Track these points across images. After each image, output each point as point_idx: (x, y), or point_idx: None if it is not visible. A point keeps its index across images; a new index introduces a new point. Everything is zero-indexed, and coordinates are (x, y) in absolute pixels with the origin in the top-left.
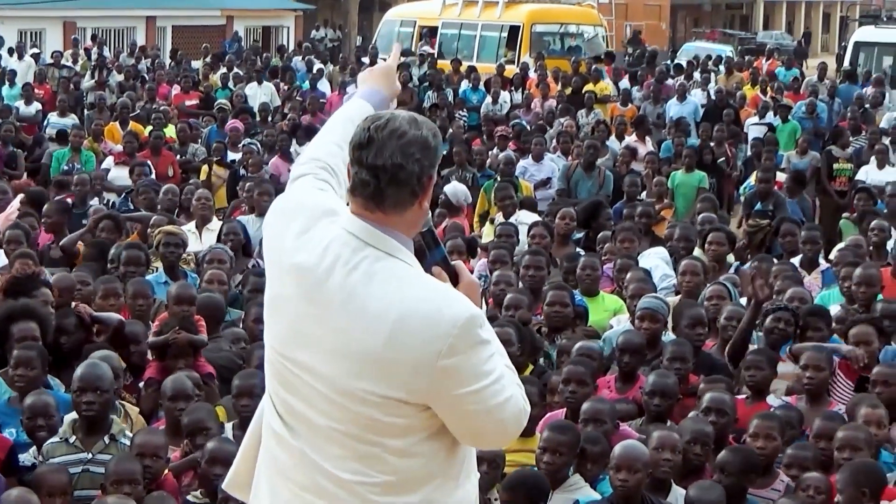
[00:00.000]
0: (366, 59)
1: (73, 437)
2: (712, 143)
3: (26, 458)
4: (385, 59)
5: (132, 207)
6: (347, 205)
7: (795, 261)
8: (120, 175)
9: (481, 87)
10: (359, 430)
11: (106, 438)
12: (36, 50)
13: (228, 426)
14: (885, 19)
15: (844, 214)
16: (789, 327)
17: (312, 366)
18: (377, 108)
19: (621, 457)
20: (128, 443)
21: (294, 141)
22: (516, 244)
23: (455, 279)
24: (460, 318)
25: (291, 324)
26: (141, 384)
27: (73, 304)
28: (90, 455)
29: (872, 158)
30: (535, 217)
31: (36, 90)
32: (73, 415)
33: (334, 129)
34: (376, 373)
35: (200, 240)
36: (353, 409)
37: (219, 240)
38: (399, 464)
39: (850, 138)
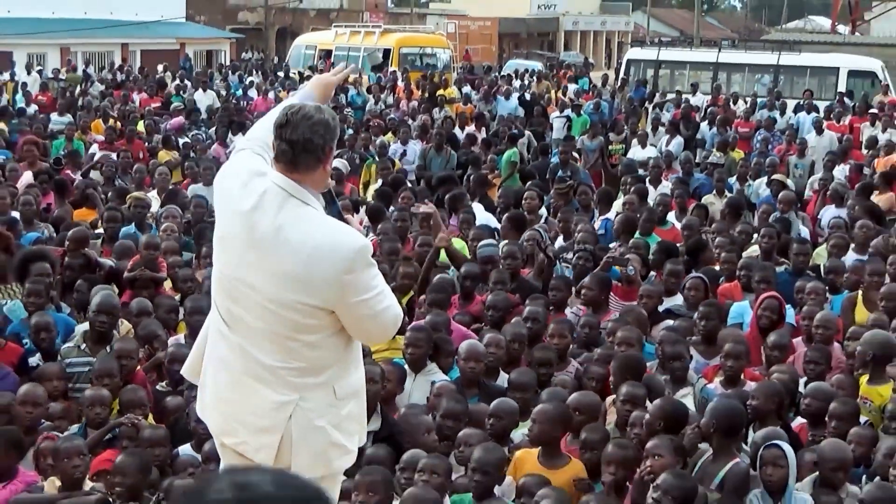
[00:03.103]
0: (280, 73)
1: (84, 345)
2: (528, 130)
3: (33, 360)
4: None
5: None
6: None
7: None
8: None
9: (364, 92)
10: (284, 329)
11: (108, 348)
12: (39, 67)
13: (181, 336)
14: (648, 43)
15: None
16: (588, 263)
17: (252, 283)
18: None
19: (468, 351)
20: None
21: (230, 132)
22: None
23: None
24: (356, 246)
25: (237, 252)
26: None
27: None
28: (95, 359)
29: (635, 141)
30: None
31: (40, 97)
32: (85, 326)
33: (270, 118)
34: (299, 287)
35: (157, 203)
36: (281, 314)
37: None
38: (311, 354)
39: (624, 127)
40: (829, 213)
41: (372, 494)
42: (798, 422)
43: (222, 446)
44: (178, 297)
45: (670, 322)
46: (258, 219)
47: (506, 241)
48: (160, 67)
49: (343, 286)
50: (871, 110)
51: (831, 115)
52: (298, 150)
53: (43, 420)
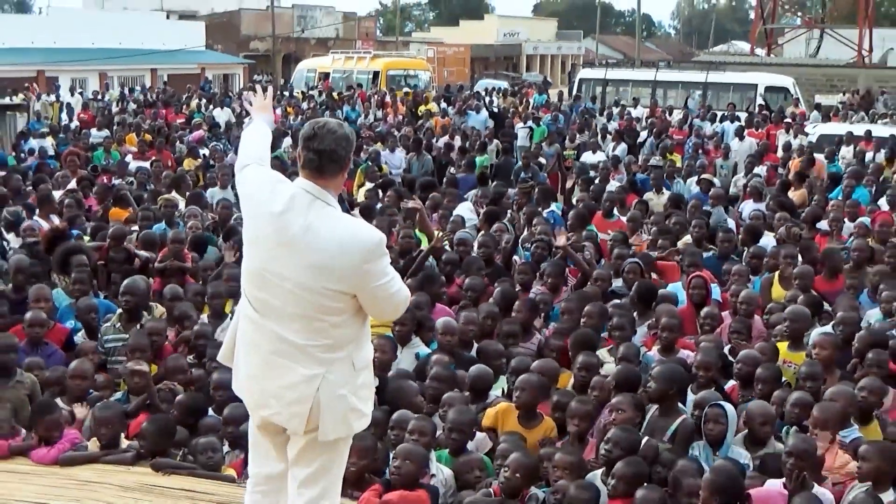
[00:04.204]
0: (286, 92)
1: (118, 324)
2: (497, 139)
3: (78, 338)
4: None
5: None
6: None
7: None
8: (136, 165)
9: (358, 107)
10: (313, 312)
11: (139, 326)
12: (81, 90)
13: (204, 317)
14: (597, 64)
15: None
16: (544, 250)
17: (284, 273)
18: (270, 127)
19: (445, 326)
20: None
21: None
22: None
23: None
24: (375, 240)
25: (269, 248)
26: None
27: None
28: (126, 336)
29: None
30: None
31: (81, 115)
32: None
33: (257, 138)
34: (328, 275)
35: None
36: (310, 300)
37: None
38: (335, 332)
39: (577, 135)
40: (749, 207)
41: (360, 459)
42: (730, 384)
43: (257, 416)
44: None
45: (617, 301)
46: (290, 219)
47: (481, 232)
48: (186, 88)
49: (364, 273)
50: (785, 120)
51: (751, 124)
52: (325, 159)
53: (91, 390)
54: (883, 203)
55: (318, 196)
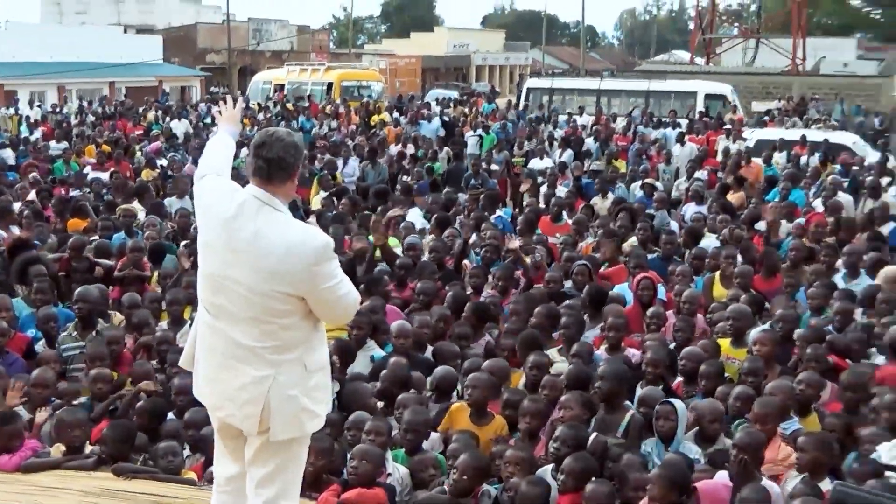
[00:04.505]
0: (242, 104)
1: (74, 333)
2: (447, 147)
3: (38, 347)
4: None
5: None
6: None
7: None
8: (95, 176)
9: (312, 119)
10: (263, 315)
11: (94, 333)
12: (39, 103)
13: (163, 323)
14: (543, 74)
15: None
16: (493, 254)
17: (236, 277)
18: (235, 139)
19: (399, 330)
20: None
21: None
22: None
23: None
24: (321, 243)
25: (221, 253)
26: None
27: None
28: (84, 343)
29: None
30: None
31: (41, 127)
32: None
33: (219, 149)
34: (279, 278)
35: (145, 214)
36: (260, 303)
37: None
38: (284, 334)
39: (525, 143)
40: (691, 210)
41: (317, 459)
42: (677, 380)
43: (216, 419)
44: (159, 290)
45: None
46: (240, 224)
47: (432, 237)
48: (144, 101)
49: (313, 276)
50: (725, 126)
51: (692, 130)
52: (274, 167)
53: (53, 398)
54: (818, 204)
55: (266, 202)
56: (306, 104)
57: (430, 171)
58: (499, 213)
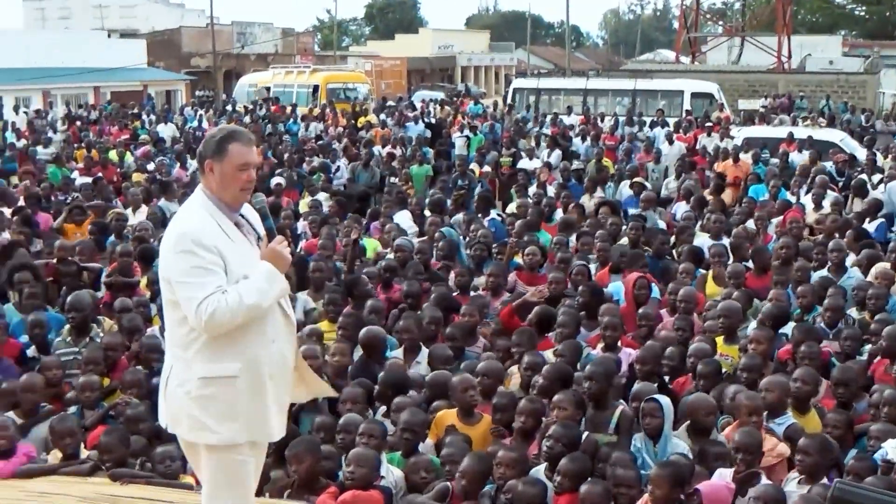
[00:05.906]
0: (228, 107)
1: (69, 338)
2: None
3: (30, 352)
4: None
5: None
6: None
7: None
8: (82, 181)
9: (299, 121)
10: (164, 304)
11: (87, 339)
12: (25, 109)
13: (155, 328)
14: (529, 74)
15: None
16: (484, 253)
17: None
18: (279, 293)
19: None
20: None
21: (188, 157)
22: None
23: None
24: (179, 231)
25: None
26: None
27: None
28: (78, 349)
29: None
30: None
31: (27, 133)
32: None
33: (258, 284)
34: (161, 263)
35: (133, 217)
36: (163, 289)
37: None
38: (178, 330)
39: (521, 142)
40: (682, 208)
41: (298, 464)
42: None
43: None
44: (148, 295)
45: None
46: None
47: (420, 239)
48: (129, 105)
49: (170, 262)
50: (707, 124)
51: (679, 129)
52: (198, 160)
53: (43, 403)
54: (806, 200)
55: (197, 192)
56: (296, 107)
57: (408, 178)
58: (493, 214)
